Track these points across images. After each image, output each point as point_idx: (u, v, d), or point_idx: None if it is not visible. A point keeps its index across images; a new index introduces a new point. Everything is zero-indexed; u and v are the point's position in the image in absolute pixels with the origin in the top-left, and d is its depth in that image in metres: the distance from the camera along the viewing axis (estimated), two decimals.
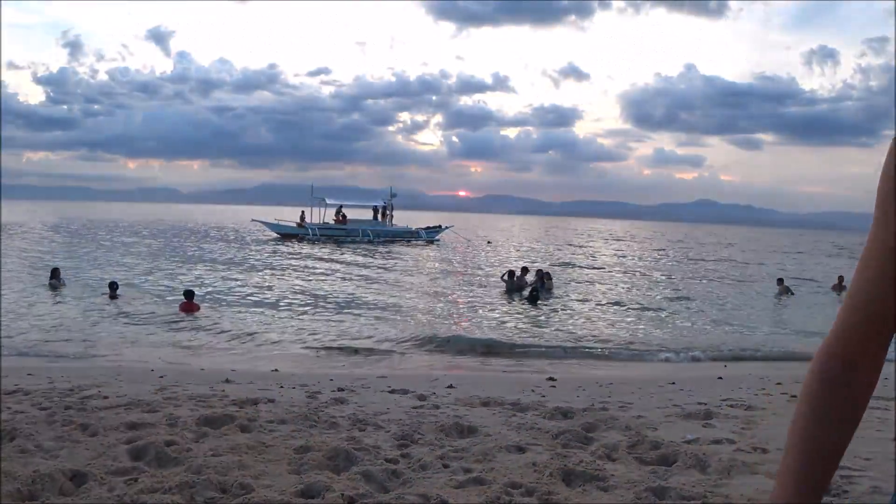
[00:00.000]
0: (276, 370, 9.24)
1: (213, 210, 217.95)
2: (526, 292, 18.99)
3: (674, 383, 8.53)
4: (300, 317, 14.81)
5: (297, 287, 19.77)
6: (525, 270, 21.24)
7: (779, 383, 8.53)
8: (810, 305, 20.66)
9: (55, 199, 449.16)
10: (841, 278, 25.24)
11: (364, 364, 10.46)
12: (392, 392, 7.38)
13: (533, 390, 7.81)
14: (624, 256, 40.10)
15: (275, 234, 47.08)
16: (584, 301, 18.81)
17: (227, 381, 7.88)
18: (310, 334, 12.50)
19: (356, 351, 11.44)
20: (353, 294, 18.47)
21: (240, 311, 14.91)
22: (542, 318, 15.83)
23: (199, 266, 25.32)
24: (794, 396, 7.58)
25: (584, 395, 7.62)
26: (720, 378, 9.15)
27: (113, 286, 16.53)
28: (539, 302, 18.03)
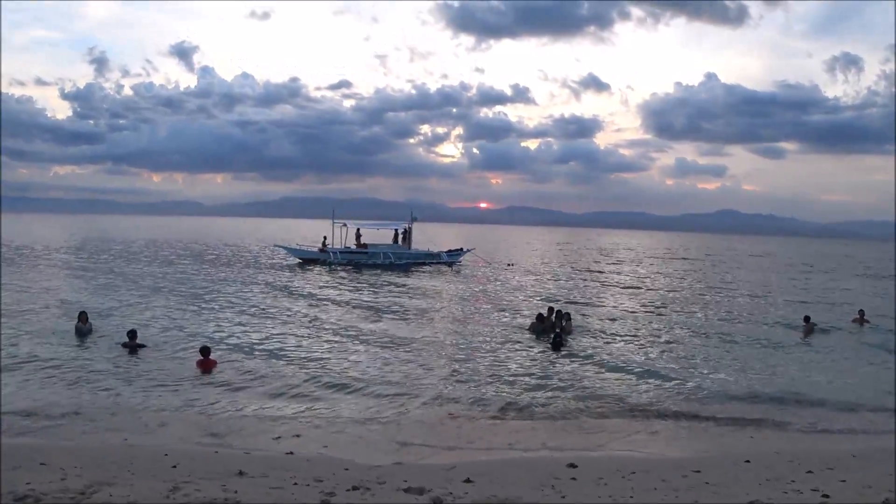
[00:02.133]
0: (291, 453, 9.10)
1: (235, 224, 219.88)
2: (551, 336, 18.82)
3: (699, 471, 8.25)
4: (313, 369, 14.67)
5: (313, 337, 19.62)
6: (551, 311, 21.04)
7: (809, 471, 8.23)
8: (837, 347, 20.16)
9: (81, 213, 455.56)
10: (862, 312, 24.67)
11: (377, 435, 10.29)
12: (408, 491, 7.20)
13: (553, 486, 7.60)
14: (639, 288, 39.46)
15: (297, 260, 47.26)
16: (602, 348, 18.43)
17: (241, 473, 7.74)
18: (324, 405, 12.29)
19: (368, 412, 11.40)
20: (370, 346, 18.17)
21: (255, 369, 14.76)
22: (565, 368, 15.56)
23: (217, 306, 25.30)
24: (828, 496, 7.31)
25: (604, 492, 7.39)
26: (748, 462, 8.84)
27: (132, 335, 16.56)
28: (561, 346, 17.89)
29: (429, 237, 52.20)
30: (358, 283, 34.35)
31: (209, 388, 12.84)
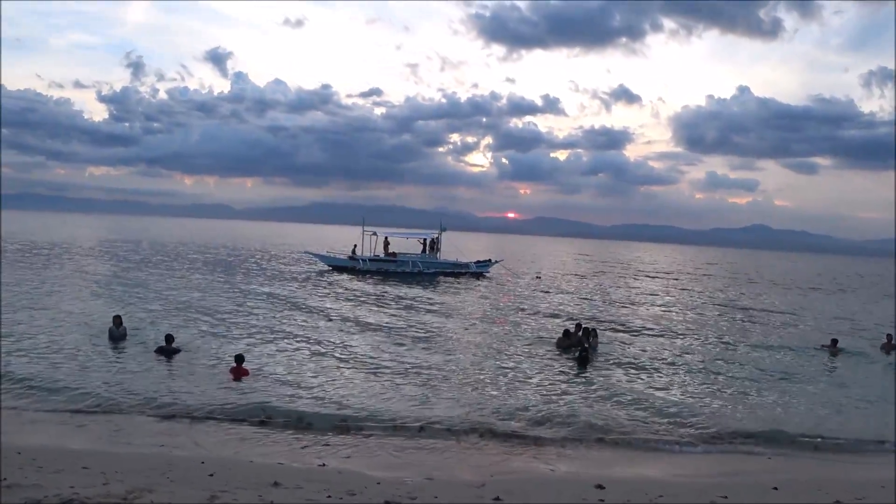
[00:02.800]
0: (324, 465, 9.31)
1: (265, 228, 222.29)
2: (577, 352, 18.88)
3: (725, 497, 8.29)
4: (341, 385, 14.86)
5: (343, 343, 19.89)
6: (578, 327, 21.07)
7: (838, 501, 8.24)
8: (865, 372, 19.94)
9: (115, 213, 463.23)
10: (890, 337, 24.25)
11: (408, 452, 10.43)
12: None
13: None
14: (666, 307, 39.19)
15: (326, 266, 47.75)
16: (629, 366, 18.40)
17: (276, 483, 7.96)
18: (353, 410, 12.49)
19: (395, 428, 11.58)
20: (397, 354, 18.39)
21: (286, 375, 15.04)
22: (591, 386, 15.59)
23: (249, 312, 25.72)
24: None
25: None
26: (775, 489, 8.86)
27: (169, 339, 16.97)
28: (588, 363, 17.96)
29: (456, 246, 52.27)
30: (386, 292, 34.58)
31: (239, 395, 13.11)
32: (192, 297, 28.45)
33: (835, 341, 23.08)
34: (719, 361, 19.81)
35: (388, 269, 45.62)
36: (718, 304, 37.42)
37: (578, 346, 19.35)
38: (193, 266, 45.68)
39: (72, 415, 11.68)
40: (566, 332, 20.80)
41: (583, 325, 21.35)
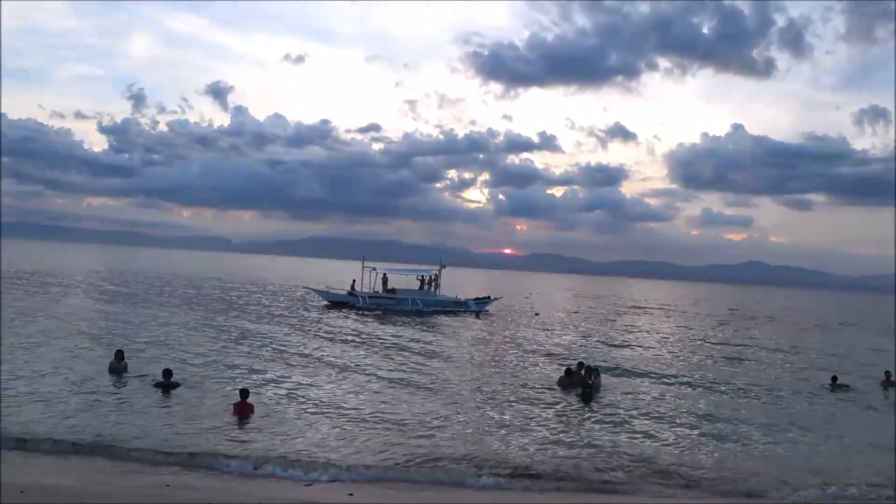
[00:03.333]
0: None
1: (262, 262, 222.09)
2: (579, 389, 18.94)
3: None
4: (339, 429, 14.80)
5: (340, 383, 19.89)
6: (580, 366, 21.10)
7: None
8: (866, 409, 20.04)
9: (112, 243, 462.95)
10: (888, 373, 24.44)
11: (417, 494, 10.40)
12: None
13: None
14: (669, 347, 39.10)
15: (325, 302, 47.74)
16: (630, 403, 18.36)
17: None
18: (350, 454, 12.44)
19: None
20: (395, 398, 18.25)
21: (289, 419, 14.99)
22: (594, 426, 15.57)
23: (249, 349, 25.72)
24: None
25: None
26: None
27: (167, 374, 16.97)
28: (591, 401, 17.98)
29: (454, 282, 52.44)
30: (385, 329, 34.56)
31: (242, 433, 13.07)
32: (190, 331, 28.44)
33: (835, 378, 23.42)
34: (721, 403, 19.77)
35: (386, 305, 45.61)
36: (716, 343, 37.35)
37: (581, 384, 19.36)
38: (192, 300, 45.60)
39: (67, 456, 11.59)
40: (568, 370, 20.79)
41: (585, 364, 21.35)
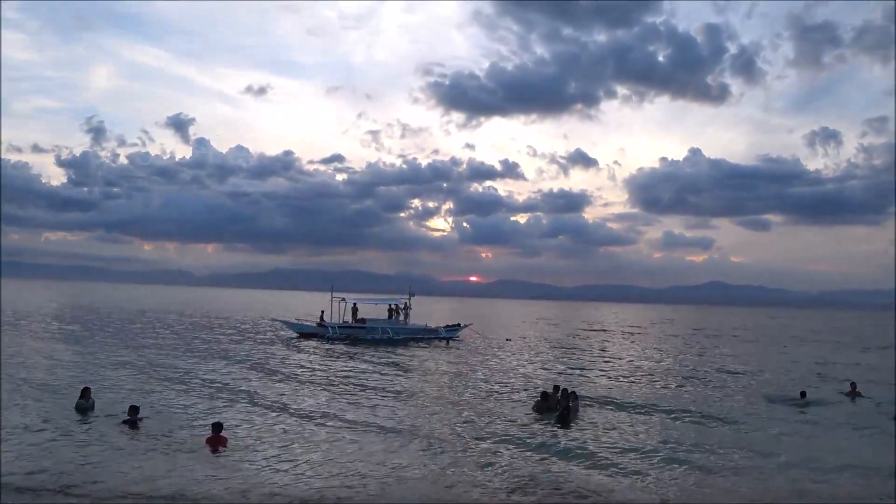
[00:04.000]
0: None
1: (226, 295, 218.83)
2: (556, 414, 18.96)
3: None
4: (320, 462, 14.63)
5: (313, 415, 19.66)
6: (556, 389, 21.18)
7: None
8: (835, 421, 20.52)
9: (72, 279, 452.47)
10: (854, 384, 25.57)
11: None
12: None
13: None
14: (638, 369, 39.44)
15: (295, 334, 47.28)
16: (605, 427, 18.41)
17: None
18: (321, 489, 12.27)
19: None
20: (366, 433, 17.52)
21: (263, 454, 14.75)
22: (570, 447, 15.60)
23: (218, 382, 25.34)
24: None
25: None
26: None
27: (133, 411, 16.63)
28: (569, 425, 18.03)
29: (421, 311, 52.43)
30: (355, 359, 34.26)
31: (214, 468, 12.85)
32: (157, 365, 27.83)
33: (803, 393, 24.20)
34: (691, 423, 19.96)
35: (357, 335, 45.33)
36: (685, 364, 37.76)
37: (557, 408, 19.36)
38: (157, 334, 44.64)
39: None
40: (544, 394, 20.78)
41: (562, 388, 21.41)
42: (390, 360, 33.80)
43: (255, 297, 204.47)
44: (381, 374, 28.38)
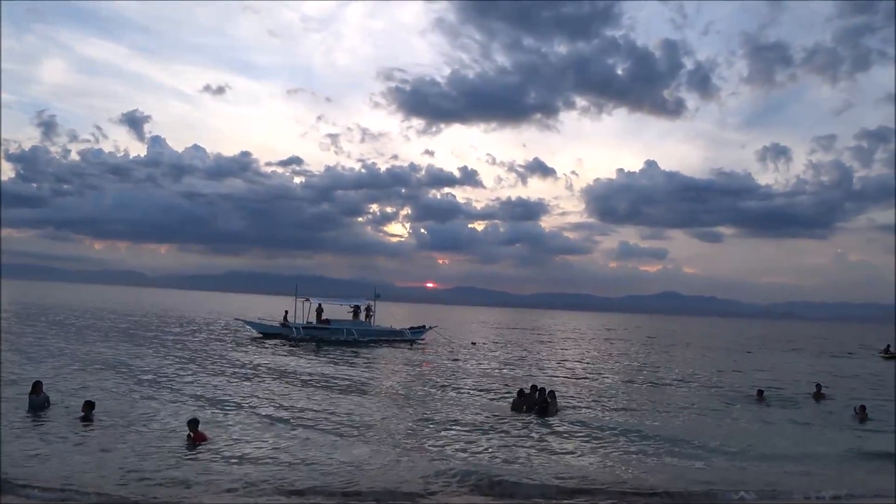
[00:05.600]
0: None
1: (180, 296, 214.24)
2: (535, 408, 18.97)
3: None
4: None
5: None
6: (534, 388, 21.05)
7: None
8: (798, 421, 21.09)
9: (18, 278, 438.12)
10: (819, 386, 26.81)
11: None
12: None
13: None
14: (598, 372, 39.80)
15: (258, 334, 46.50)
16: (580, 427, 18.43)
17: None
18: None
19: None
20: (341, 436, 17.09)
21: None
22: (551, 444, 15.56)
23: (178, 379, 24.70)
24: None
25: None
26: None
27: (89, 406, 16.07)
28: (547, 418, 18.04)
29: (381, 315, 52.07)
30: (319, 359, 33.72)
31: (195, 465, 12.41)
32: (111, 362, 26.94)
33: (760, 392, 25.62)
34: (661, 419, 20.14)
35: (321, 336, 44.78)
36: (643, 368, 38.12)
37: (534, 406, 19.31)
38: (107, 334, 43.26)
39: None
40: (521, 392, 20.64)
41: (539, 387, 21.28)
42: (355, 361, 33.36)
43: (210, 298, 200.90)
44: (345, 374, 27.87)
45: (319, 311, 47.79)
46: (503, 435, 16.47)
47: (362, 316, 48.14)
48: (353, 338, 44.71)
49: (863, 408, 21.80)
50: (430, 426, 17.38)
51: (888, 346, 60.50)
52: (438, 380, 27.49)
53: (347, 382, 25.27)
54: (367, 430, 16.46)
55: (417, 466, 12.92)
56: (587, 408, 21.29)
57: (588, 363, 39.35)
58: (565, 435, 16.74)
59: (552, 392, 20.60)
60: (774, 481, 13.05)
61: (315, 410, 18.84)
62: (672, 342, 71.42)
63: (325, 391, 22.82)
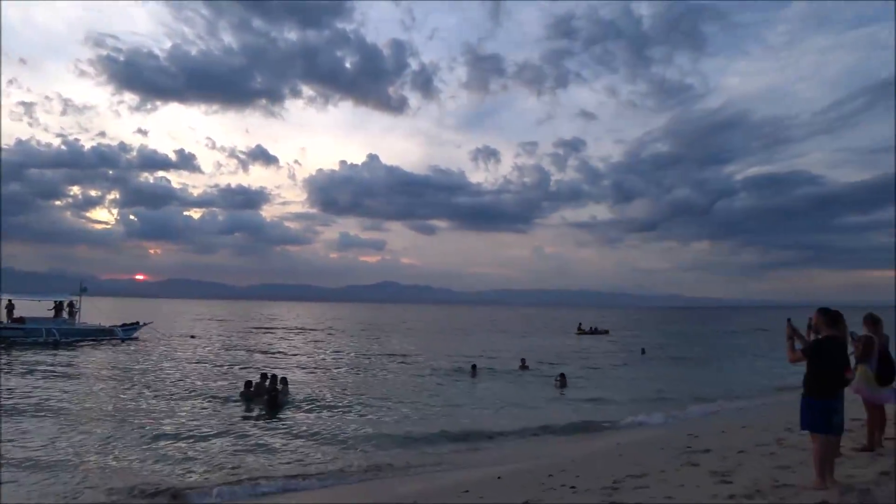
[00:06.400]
0: None
1: None
2: (263, 400, 19.29)
3: None
4: None
5: None
6: (264, 377, 21.14)
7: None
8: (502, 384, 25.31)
9: None
10: (523, 360, 31.86)
11: None
12: None
13: None
14: (321, 357, 41.29)
15: None
16: (311, 407, 19.41)
17: None
18: None
19: None
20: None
21: None
22: (282, 433, 16.17)
23: None
24: None
25: None
26: (466, 491, 10.64)
27: None
28: (278, 407, 18.59)
29: (86, 312, 47.59)
30: (11, 366, 29.74)
31: None
32: None
33: (474, 367, 29.61)
34: (387, 392, 22.01)
35: (14, 337, 39.97)
36: (363, 354, 40.14)
37: (265, 394, 19.65)
38: None
39: None
40: (248, 382, 20.79)
41: (270, 374, 21.42)
42: (57, 365, 29.97)
43: None
44: (45, 384, 23.91)
45: (10, 307, 42.44)
46: (220, 434, 15.65)
47: (65, 313, 43.80)
48: (55, 338, 40.60)
49: (562, 375, 25.46)
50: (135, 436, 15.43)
51: (580, 324, 73.22)
52: (154, 377, 26.07)
53: (44, 395, 22.47)
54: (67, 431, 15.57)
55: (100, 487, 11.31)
56: (316, 398, 21.42)
57: (307, 353, 40.23)
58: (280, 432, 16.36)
59: (284, 379, 21.17)
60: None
61: None
62: (391, 329, 75.17)
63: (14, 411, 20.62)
